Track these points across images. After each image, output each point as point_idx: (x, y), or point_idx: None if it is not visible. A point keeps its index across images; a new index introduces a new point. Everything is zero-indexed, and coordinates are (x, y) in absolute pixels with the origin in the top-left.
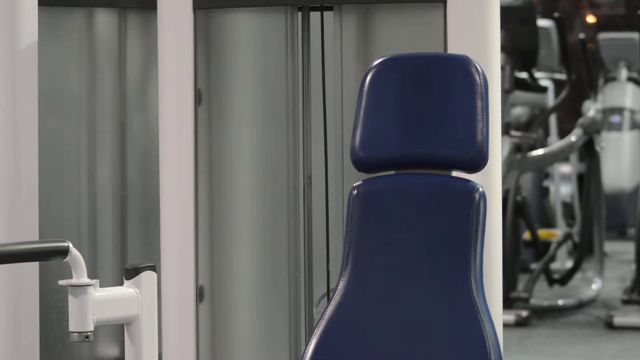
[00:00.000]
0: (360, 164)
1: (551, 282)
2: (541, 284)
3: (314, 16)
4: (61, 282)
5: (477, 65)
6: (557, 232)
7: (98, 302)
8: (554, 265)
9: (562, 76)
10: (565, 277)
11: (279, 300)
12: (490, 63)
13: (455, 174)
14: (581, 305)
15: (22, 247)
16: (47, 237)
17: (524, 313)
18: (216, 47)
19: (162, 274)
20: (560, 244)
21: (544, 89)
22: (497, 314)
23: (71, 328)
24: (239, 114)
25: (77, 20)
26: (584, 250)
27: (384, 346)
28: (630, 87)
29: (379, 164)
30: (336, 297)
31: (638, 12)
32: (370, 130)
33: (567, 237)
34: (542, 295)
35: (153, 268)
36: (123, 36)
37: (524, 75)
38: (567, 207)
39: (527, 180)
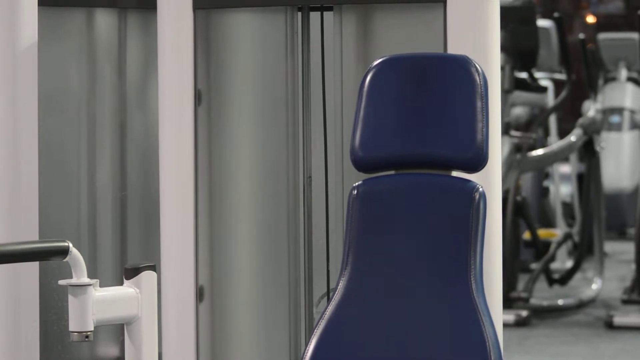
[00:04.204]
0: (360, 164)
1: (551, 282)
2: (541, 284)
3: (314, 16)
4: (61, 282)
5: (477, 65)
6: (557, 232)
7: (98, 302)
8: (554, 265)
9: (562, 76)
10: (565, 277)
11: (279, 300)
12: (490, 63)
13: (455, 174)
14: (581, 305)
15: (22, 247)
16: (47, 237)
17: (524, 313)
18: (216, 47)
19: (162, 274)
20: (560, 244)
21: (543, 89)
22: (497, 314)
23: (71, 328)
24: (239, 114)
25: (77, 20)
26: (584, 250)
27: (383, 346)
28: (630, 87)
29: (378, 164)
30: (336, 297)
31: (638, 12)
32: (370, 130)
33: (567, 237)
34: (542, 295)
35: (153, 268)
36: (123, 36)
37: (523, 75)
38: (567, 207)
39: (527, 180)
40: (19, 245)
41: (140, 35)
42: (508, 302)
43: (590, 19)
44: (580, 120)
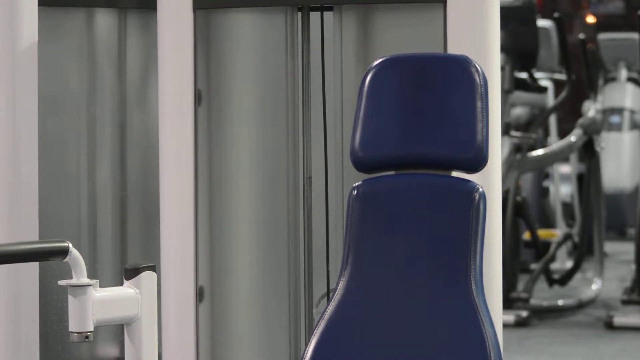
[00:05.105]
0: (360, 164)
1: (551, 282)
2: (541, 284)
3: (314, 16)
4: (61, 283)
5: (477, 66)
6: (557, 233)
7: (98, 302)
8: (554, 266)
9: (562, 76)
10: (565, 278)
11: (279, 300)
12: (490, 63)
13: (455, 174)
14: (581, 306)
15: (22, 247)
16: (47, 237)
17: (524, 313)
18: (216, 47)
19: (162, 274)
20: (560, 244)
21: (543, 89)
22: (497, 314)
23: (71, 328)
24: (239, 114)
25: (77, 20)
26: (584, 250)
27: (383, 346)
28: (630, 87)
29: (378, 164)
30: (336, 297)
31: (638, 12)
32: (370, 130)
33: (567, 237)
34: (542, 295)
35: (153, 268)
36: (123, 36)
37: (523, 75)
38: (567, 207)
39: (527, 181)
40: (19, 245)
41: (140, 35)
42: (508, 303)
43: (590, 19)
44: (580, 121)
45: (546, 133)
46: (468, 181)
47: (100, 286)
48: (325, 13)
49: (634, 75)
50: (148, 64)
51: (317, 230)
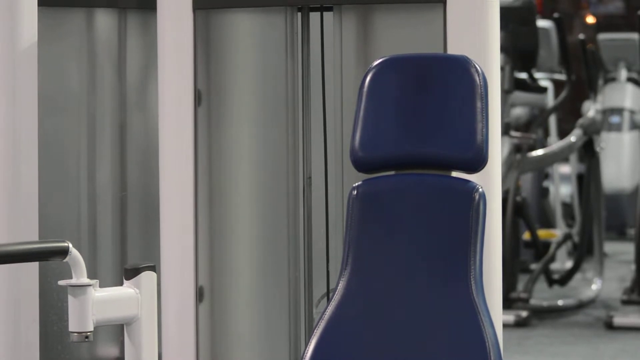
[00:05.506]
0: (360, 165)
1: (551, 282)
2: (541, 285)
3: (314, 16)
4: (61, 283)
5: (476, 66)
6: (556, 233)
7: (98, 302)
8: (554, 266)
9: (561, 76)
10: (565, 278)
11: (279, 300)
12: (490, 63)
13: (455, 174)
14: (581, 306)
15: (22, 247)
16: (47, 237)
17: (524, 313)
18: (216, 47)
19: (162, 274)
20: (559, 245)
21: (543, 90)
22: (497, 314)
23: (71, 328)
24: (239, 115)
25: (77, 20)
26: (584, 250)
27: (383, 346)
28: (630, 87)
29: (378, 164)
30: (336, 297)
31: (638, 12)
32: (370, 130)
33: (567, 237)
34: (542, 295)
35: (153, 268)
36: (123, 36)
37: (523, 75)
38: (567, 207)
39: (527, 181)
40: (19, 245)
41: (140, 35)
42: (508, 303)
43: (590, 19)
44: (580, 121)
45: (546, 133)
46: (468, 181)
47: (100, 286)
48: (325, 13)
49: (634, 75)
50: (148, 64)
51: (317, 230)
